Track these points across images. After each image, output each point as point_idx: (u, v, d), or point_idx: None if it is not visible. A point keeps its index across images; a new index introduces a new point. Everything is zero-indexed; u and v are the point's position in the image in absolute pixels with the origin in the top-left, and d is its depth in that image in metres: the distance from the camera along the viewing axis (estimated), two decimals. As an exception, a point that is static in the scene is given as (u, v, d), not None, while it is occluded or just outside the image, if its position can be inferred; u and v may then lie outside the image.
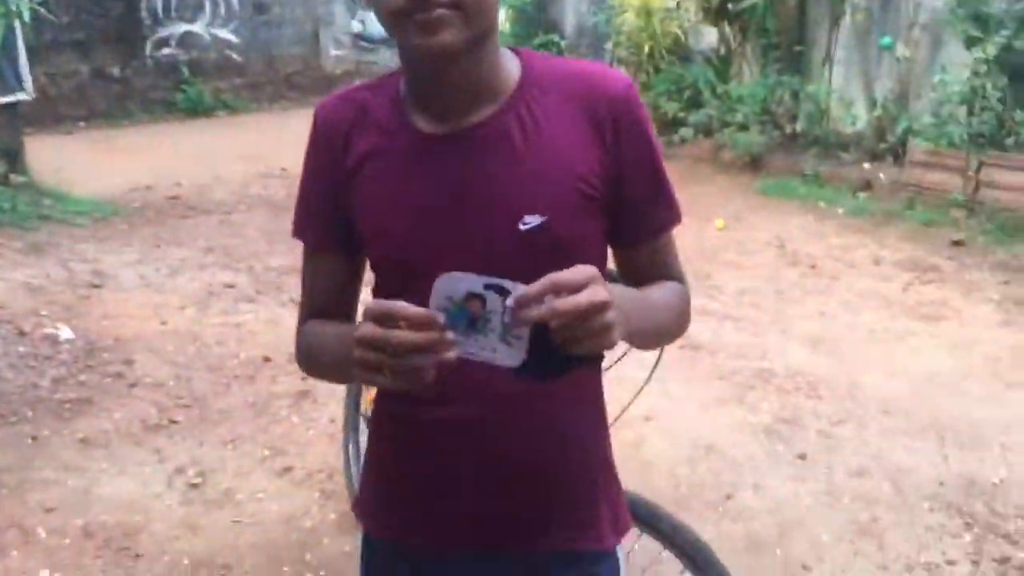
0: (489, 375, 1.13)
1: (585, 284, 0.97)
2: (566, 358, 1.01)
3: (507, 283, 0.97)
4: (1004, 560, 2.84)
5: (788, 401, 3.82)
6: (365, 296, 1.20)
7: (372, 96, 1.22)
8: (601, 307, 0.97)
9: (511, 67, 1.17)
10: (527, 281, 0.97)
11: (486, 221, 1.13)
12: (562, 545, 1.27)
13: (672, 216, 1.26)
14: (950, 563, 2.83)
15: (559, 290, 0.96)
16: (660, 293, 1.22)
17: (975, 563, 2.83)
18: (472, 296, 0.98)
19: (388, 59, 13.93)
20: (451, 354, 0.98)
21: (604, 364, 1.31)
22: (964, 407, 3.77)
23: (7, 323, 4.25)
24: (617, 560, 1.33)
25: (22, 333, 4.16)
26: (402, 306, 0.97)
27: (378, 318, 0.99)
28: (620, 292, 1.08)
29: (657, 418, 3.57)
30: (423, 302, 0.99)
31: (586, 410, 1.27)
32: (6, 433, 3.41)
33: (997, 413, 3.71)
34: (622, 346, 1.48)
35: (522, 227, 1.12)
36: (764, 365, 4.14)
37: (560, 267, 1.00)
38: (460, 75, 1.12)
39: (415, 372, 0.99)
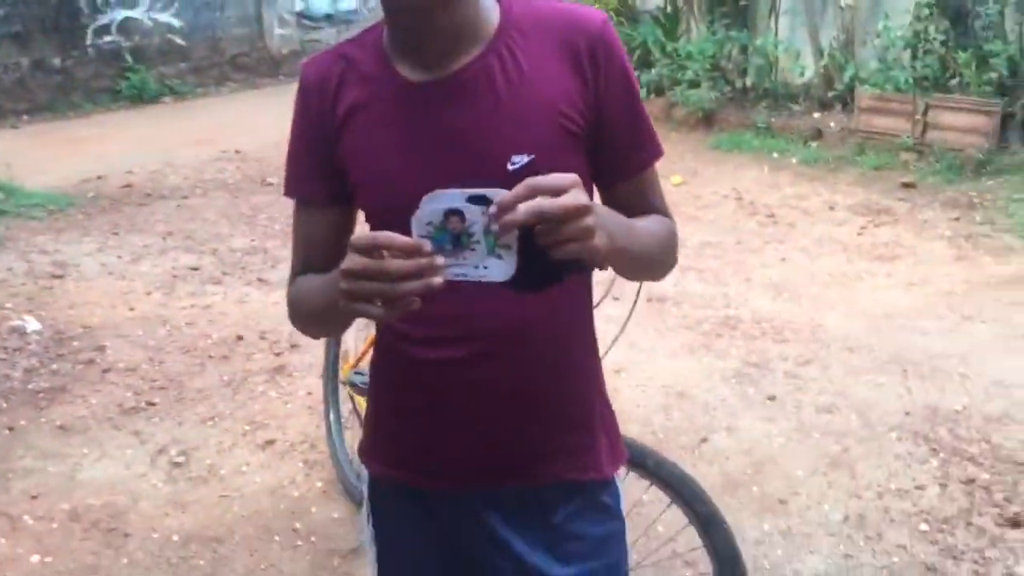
0: (480, 309, 1.18)
1: (565, 188, 0.98)
2: (555, 266, 1.01)
3: (488, 192, 0.97)
4: (970, 481, 2.96)
5: (755, 346, 3.91)
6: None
7: (356, 50, 1.24)
8: (583, 210, 0.98)
9: (491, 11, 1.20)
10: None
11: (475, 164, 1.15)
12: (564, 475, 1.30)
13: (654, 151, 1.28)
14: (919, 488, 2.95)
15: (540, 193, 0.97)
16: (645, 222, 1.25)
17: (943, 486, 2.95)
18: (452, 213, 0.98)
19: (332, 36, 13.76)
20: (438, 279, 0.98)
21: (593, 302, 1.35)
22: (923, 341, 3.90)
23: (-29, 318, 4.20)
24: (617, 487, 1.37)
25: (-13, 327, 4.12)
26: (387, 235, 1.00)
27: (363, 249, 1.00)
28: (603, 209, 1.11)
29: (628, 370, 3.65)
30: None
31: (577, 341, 1.31)
32: (-18, 425, 3.39)
33: (955, 345, 3.84)
34: (607, 283, 1.52)
35: (510, 167, 1.15)
36: (729, 313, 4.23)
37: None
38: (440, 23, 1.15)
39: (403, 299, 0.99)
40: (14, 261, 4.99)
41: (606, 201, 1.27)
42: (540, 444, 1.29)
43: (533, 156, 1.15)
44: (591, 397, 1.33)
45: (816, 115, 7.05)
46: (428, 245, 0.99)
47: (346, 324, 1.36)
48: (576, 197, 0.98)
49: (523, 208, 0.96)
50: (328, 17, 14.90)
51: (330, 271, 1.27)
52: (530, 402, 1.26)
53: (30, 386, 3.65)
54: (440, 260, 0.99)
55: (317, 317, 1.30)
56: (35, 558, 2.71)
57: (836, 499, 2.92)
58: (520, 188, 0.97)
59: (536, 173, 1.07)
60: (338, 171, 1.24)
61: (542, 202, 0.96)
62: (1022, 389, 3.47)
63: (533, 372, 1.25)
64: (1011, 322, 4.01)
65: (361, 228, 1.29)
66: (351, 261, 1.01)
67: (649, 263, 1.27)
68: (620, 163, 1.26)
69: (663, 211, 1.32)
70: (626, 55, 1.24)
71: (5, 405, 3.51)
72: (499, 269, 1.00)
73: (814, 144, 6.77)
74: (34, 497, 2.98)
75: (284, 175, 1.32)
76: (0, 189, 6.13)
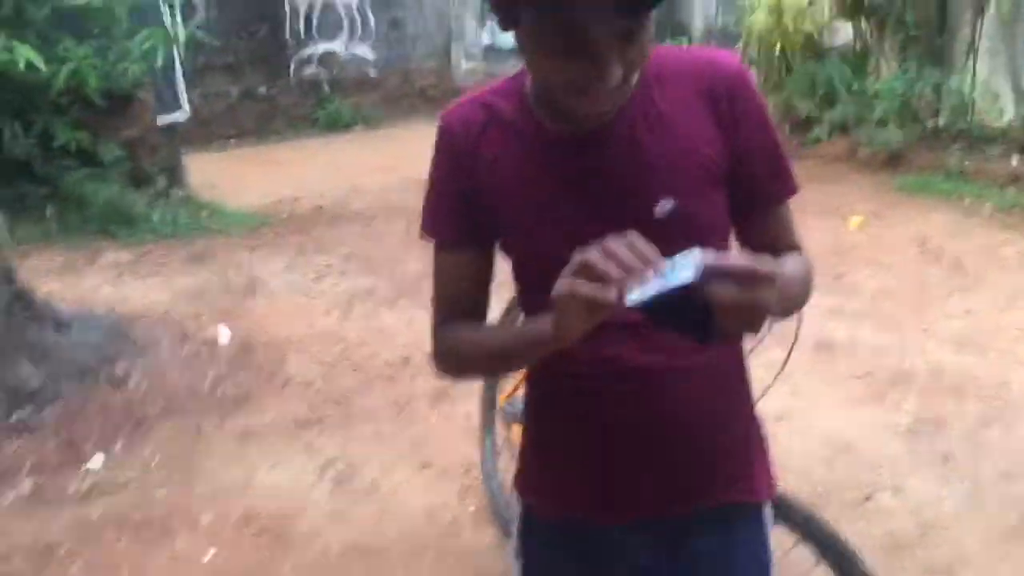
0: (639, 349, 1.25)
1: (770, 278, 0.98)
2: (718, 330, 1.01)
3: (684, 280, 0.96)
4: None
5: (931, 401, 3.71)
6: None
7: (497, 99, 1.29)
8: (768, 307, 0.99)
9: None
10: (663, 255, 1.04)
11: (620, 213, 1.18)
12: (723, 499, 1.35)
13: (790, 186, 1.31)
14: (1106, 570, 2.72)
15: (750, 277, 0.97)
16: (790, 265, 1.26)
17: None
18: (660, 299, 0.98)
19: (517, 69, 14.15)
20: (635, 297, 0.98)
21: (747, 346, 1.40)
22: None
23: (173, 327, 4.58)
24: (770, 511, 1.42)
25: (185, 336, 4.48)
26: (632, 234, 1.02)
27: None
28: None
29: (790, 418, 3.54)
30: None
31: (733, 375, 1.37)
32: (174, 426, 3.69)
33: None
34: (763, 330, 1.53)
35: (657, 213, 1.20)
36: (904, 365, 4.03)
37: (689, 244, 1.04)
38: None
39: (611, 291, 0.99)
40: (213, 275, 5.41)
41: (740, 235, 1.31)
42: (703, 472, 1.33)
43: (677, 200, 1.21)
44: (747, 424, 1.39)
45: (1015, 160, 6.61)
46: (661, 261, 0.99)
47: (530, 361, 1.34)
48: (772, 294, 0.98)
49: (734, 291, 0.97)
50: (514, 51, 15.39)
51: (478, 314, 1.35)
52: (694, 434, 1.31)
53: (217, 393, 3.95)
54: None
55: (503, 357, 1.31)
56: (207, 556, 2.93)
57: (1010, 574, 2.73)
58: (740, 266, 0.98)
59: (681, 216, 1.20)
60: (482, 214, 1.29)
61: (752, 296, 0.97)
62: None
63: (695, 405, 1.29)
64: None
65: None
66: (582, 256, 1.01)
67: (791, 306, 1.28)
68: (756, 195, 1.29)
69: (797, 246, 1.34)
70: (763, 96, 1.29)
71: (194, 409, 3.81)
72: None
73: (1011, 190, 6.36)
74: (212, 498, 3.22)
75: (422, 219, 1.35)
76: (204, 208, 6.68)
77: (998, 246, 5.48)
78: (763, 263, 0.99)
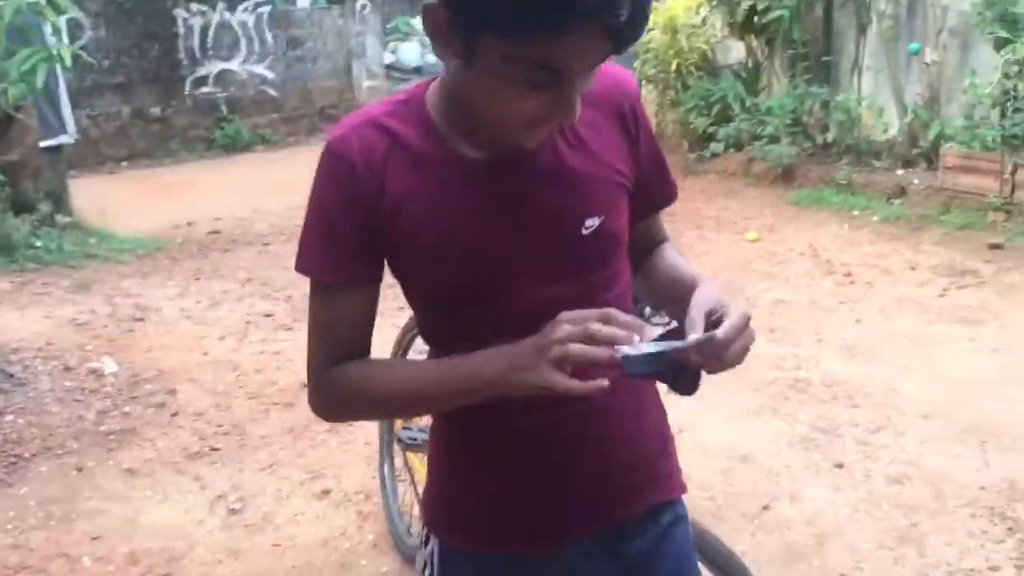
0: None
1: (746, 328, 1.12)
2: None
3: (678, 344, 1.08)
4: (1048, 564, 2.80)
5: (825, 410, 3.79)
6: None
7: (399, 124, 1.19)
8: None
9: None
10: (587, 275, 1.20)
11: (552, 232, 1.19)
12: (651, 500, 1.37)
13: (675, 192, 1.40)
14: (993, 569, 2.79)
15: (745, 324, 1.11)
16: (683, 261, 1.38)
17: (1018, 568, 2.78)
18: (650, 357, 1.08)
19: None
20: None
21: None
22: (1005, 410, 3.71)
23: (54, 359, 4.37)
24: (686, 505, 1.45)
25: (68, 368, 4.28)
26: (614, 312, 1.07)
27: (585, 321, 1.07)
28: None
29: (689, 430, 3.56)
30: (487, 328, 1.15)
31: (650, 384, 1.37)
32: (53, 465, 3.51)
33: (1041, 415, 3.65)
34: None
35: (584, 231, 1.20)
36: (800, 375, 4.12)
37: (609, 257, 1.23)
38: None
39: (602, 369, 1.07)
40: (99, 304, 5.19)
41: (631, 235, 1.33)
42: (631, 480, 1.34)
43: (603, 216, 1.22)
44: (660, 422, 1.41)
45: (900, 172, 6.88)
46: (645, 327, 1.09)
47: (452, 404, 1.27)
48: (751, 338, 1.13)
49: (732, 358, 1.11)
50: (417, 70, 15.33)
51: (364, 355, 1.26)
52: (621, 448, 1.32)
53: (102, 428, 3.77)
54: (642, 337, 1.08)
55: (418, 399, 1.22)
56: (91, 599, 2.78)
57: (902, 577, 2.79)
58: (730, 334, 1.09)
59: (605, 231, 1.22)
60: (380, 252, 1.20)
61: (737, 354, 1.11)
62: (1110, 467, 3.27)
63: (622, 418, 1.31)
64: (1100, 394, 3.80)
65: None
66: (564, 331, 1.06)
67: None
68: (649, 202, 1.35)
69: (667, 238, 1.45)
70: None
71: (76, 446, 3.63)
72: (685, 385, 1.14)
73: (897, 202, 6.60)
74: (95, 538, 3.06)
75: (299, 253, 1.23)
76: (93, 234, 6.43)
77: (886, 256, 5.67)
78: (736, 304, 1.13)
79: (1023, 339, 4.39)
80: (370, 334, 1.26)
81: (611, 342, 1.05)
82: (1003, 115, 6.18)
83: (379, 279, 1.23)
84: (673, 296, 1.28)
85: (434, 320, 1.28)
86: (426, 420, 2.80)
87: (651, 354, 1.06)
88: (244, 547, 3.02)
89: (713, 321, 1.12)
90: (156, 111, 9.86)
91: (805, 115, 7.52)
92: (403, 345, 3.03)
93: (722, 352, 1.09)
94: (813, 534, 3.00)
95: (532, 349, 1.08)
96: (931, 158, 6.72)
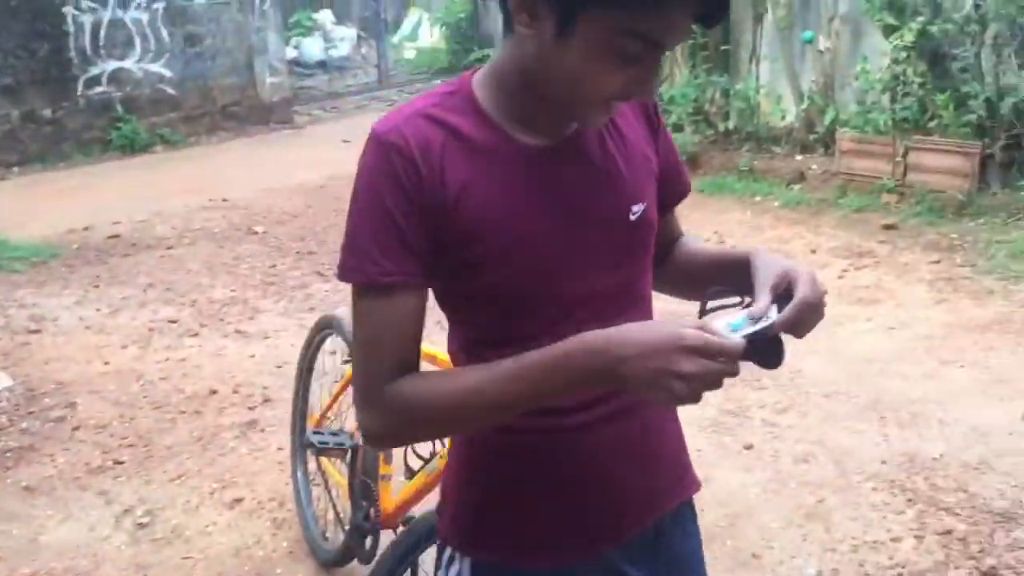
0: None
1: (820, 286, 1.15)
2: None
3: (772, 320, 1.10)
4: (946, 532, 2.92)
5: (732, 393, 3.87)
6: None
7: (451, 115, 1.16)
8: None
9: None
10: (634, 263, 1.24)
11: (607, 220, 1.21)
12: (681, 497, 1.39)
13: (689, 183, 1.45)
14: (895, 540, 2.90)
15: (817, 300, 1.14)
16: (716, 246, 1.44)
17: (919, 538, 2.90)
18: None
19: (324, 83, 13.92)
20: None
21: None
22: (902, 386, 3.86)
23: (-57, 376, 4.17)
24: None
25: (-41, 385, 4.09)
26: (730, 344, 1.03)
27: (699, 351, 1.02)
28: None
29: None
30: (541, 322, 1.15)
31: None
32: (-54, 488, 3.35)
33: (934, 390, 3.81)
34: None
35: (631, 217, 1.23)
36: (708, 360, 4.19)
37: (648, 243, 1.26)
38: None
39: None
40: (-9, 316, 4.97)
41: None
42: (666, 477, 1.35)
43: (646, 203, 1.25)
44: (677, 419, 1.41)
45: (798, 158, 7.08)
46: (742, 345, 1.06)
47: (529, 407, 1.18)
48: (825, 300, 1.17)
49: (815, 321, 1.15)
50: (321, 64, 15.09)
51: (416, 363, 1.16)
52: (655, 444, 1.33)
53: (-2, 445, 3.62)
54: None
55: (500, 404, 1.12)
56: (-9, 626, 2.67)
57: (810, 552, 2.87)
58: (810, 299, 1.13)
59: (646, 217, 1.25)
60: (434, 250, 1.14)
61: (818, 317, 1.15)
62: (1000, 436, 3.43)
63: (651, 414, 1.30)
64: (989, 367, 3.98)
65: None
66: (700, 364, 1.01)
67: None
68: (671, 194, 1.39)
69: (683, 232, 1.50)
70: None
71: (-29, 466, 3.48)
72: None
73: (796, 187, 6.79)
74: (-7, 562, 2.94)
75: (348, 256, 1.14)
76: (-17, 243, 6.14)
77: (787, 240, 5.83)
78: (800, 266, 1.16)
79: (916, 317, 4.57)
80: (420, 344, 1.18)
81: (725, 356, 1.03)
82: (893, 100, 6.42)
83: (430, 281, 1.17)
84: (725, 275, 1.26)
85: (484, 319, 1.21)
86: (337, 423, 2.78)
87: (755, 336, 1.07)
88: (153, 562, 2.94)
89: (785, 287, 1.14)
90: (47, 113, 9.45)
91: (707, 104, 7.66)
92: (312, 346, 2.99)
93: (808, 317, 1.12)
94: (725, 515, 3.07)
95: (657, 372, 1.03)
96: (827, 143, 6.93)
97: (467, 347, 1.24)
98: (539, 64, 1.10)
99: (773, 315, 1.10)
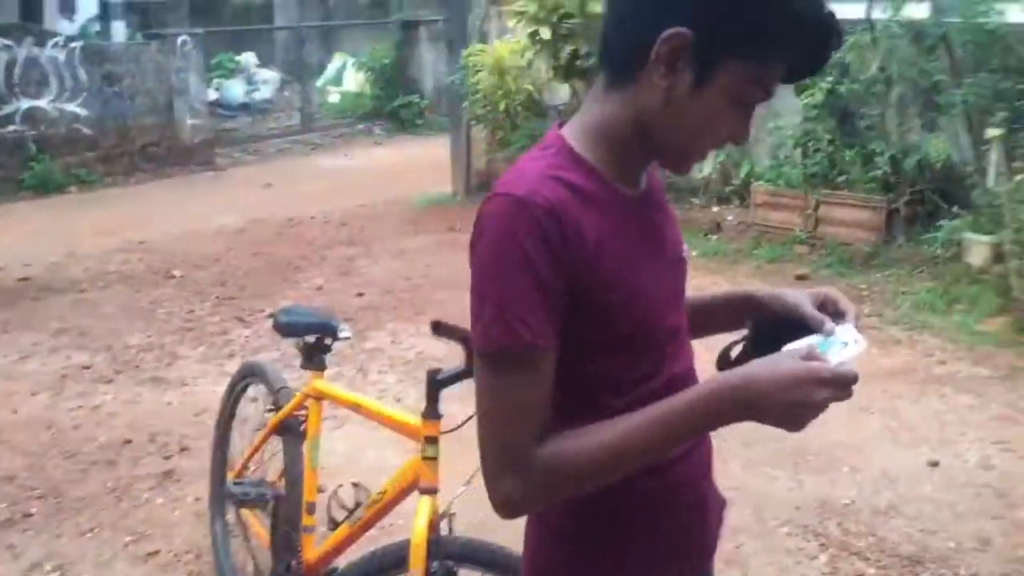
0: None
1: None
2: None
3: (858, 346, 1.19)
4: (857, 576, 3.00)
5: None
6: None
7: (567, 173, 1.18)
8: None
9: None
10: (684, 294, 1.33)
11: (675, 259, 1.32)
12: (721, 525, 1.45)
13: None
14: (809, 584, 2.97)
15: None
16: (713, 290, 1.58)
17: (831, 581, 2.98)
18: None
19: (247, 125, 13.80)
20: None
21: None
22: (818, 432, 3.96)
23: None
24: None
25: None
26: (845, 372, 1.11)
27: (828, 382, 1.10)
28: None
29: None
30: (646, 363, 1.23)
31: None
32: None
33: (849, 436, 3.92)
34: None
35: (684, 255, 1.35)
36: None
37: (683, 278, 1.34)
38: None
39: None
40: None
41: None
42: (718, 506, 1.43)
43: (686, 243, 1.37)
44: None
45: (715, 209, 7.29)
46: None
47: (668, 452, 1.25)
48: None
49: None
50: (244, 106, 14.95)
51: (550, 428, 1.16)
52: (710, 474, 1.40)
53: None
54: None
55: (644, 451, 1.16)
56: None
57: None
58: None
59: (686, 255, 1.36)
60: (574, 306, 1.16)
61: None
62: (908, 482, 3.55)
63: (704, 445, 1.37)
64: (897, 414, 4.14)
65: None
66: (830, 393, 1.10)
67: None
68: None
69: None
70: None
71: None
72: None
73: (713, 237, 6.98)
74: None
75: (496, 322, 1.12)
76: None
77: (705, 289, 5.95)
78: (831, 290, 1.29)
79: (829, 364, 4.71)
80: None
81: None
82: (805, 155, 6.68)
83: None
84: (738, 315, 1.34)
85: (604, 365, 1.22)
86: (259, 473, 2.74)
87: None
88: (62, 620, 2.84)
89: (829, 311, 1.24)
90: (-44, 151, 9.20)
91: (627, 155, 7.83)
92: (235, 393, 2.95)
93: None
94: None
95: (794, 404, 1.10)
96: (743, 195, 7.16)
97: (580, 399, 1.22)
98: (664, 114, 1.17)
99: (848, 334, 1.19)
